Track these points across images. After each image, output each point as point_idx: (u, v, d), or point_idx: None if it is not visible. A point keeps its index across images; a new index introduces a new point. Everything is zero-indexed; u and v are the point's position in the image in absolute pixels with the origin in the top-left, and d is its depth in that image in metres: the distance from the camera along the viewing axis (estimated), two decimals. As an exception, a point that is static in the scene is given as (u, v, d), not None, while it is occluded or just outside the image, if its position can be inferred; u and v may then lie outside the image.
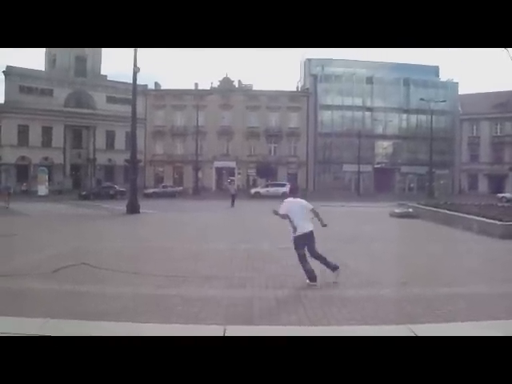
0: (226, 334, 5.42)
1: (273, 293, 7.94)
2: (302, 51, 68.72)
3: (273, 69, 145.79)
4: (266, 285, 8.58)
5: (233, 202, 35.17)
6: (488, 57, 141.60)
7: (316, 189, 65.08)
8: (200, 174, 64.88)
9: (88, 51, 63.15)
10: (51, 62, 65.07)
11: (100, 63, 67.82)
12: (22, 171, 59.45)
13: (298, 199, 9.14)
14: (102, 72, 68.31)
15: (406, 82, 70.42)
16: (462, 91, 73.40)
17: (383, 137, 70.70)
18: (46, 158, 60.46)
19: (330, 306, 7.03)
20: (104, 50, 67.31)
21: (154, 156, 68.28)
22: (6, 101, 59.28)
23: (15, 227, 18.72)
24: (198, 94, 67.29)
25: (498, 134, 70.67)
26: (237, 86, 71.71)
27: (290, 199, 9.19)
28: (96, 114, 64.04)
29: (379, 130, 70.46)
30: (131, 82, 28.74)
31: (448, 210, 21.97)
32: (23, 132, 60.07)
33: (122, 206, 29.36)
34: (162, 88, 72.58)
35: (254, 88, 72.02)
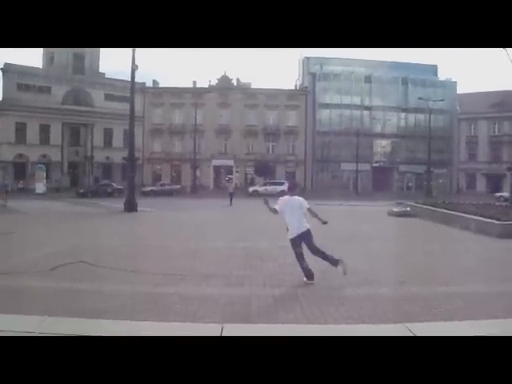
0: (223, 333, 5.42)
1: (270, 291, 7.94)
2: (300, 50, 68.75)
3: (271, 67, 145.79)
4: (264, 283, 8.58)
5: (231, 200, 35.18)
6: (486, 56, 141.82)
7: (314, 187, 65.12)
8: (198, 173, 64.92)
9: (86, 49, 63.05)
10: (49, 59, 64.99)
11: (98, 61, 67.84)
12: (20, 169, 59.50)
13: (296, 197, 9.05)
14: (100, 70, 68.44)
15: (405, 81, 70.48)
16: (460, 90, 73.66)
17: (381, 135, 70.73)
18: (43, 156, 60.48)
19: (327, 304, 7.03)
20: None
21: (152, 154, 68.27)
22: (3, 98, 59.26)
23: (13, 225, 18.70)
24: (196, 92, 67.29)
25: (496, 133, 70.80)
26: (235, 84, 71.73)
27: (287, 197, 9.16)
28: (94, 111, 64.05)
29: (377, 128, 70.54)
30: (129, 79, 28.73)
31: (446, 209, 21.99)
32: (21, 129, 60.11)
33: (119, 203, 29.36)
34: (160, 86, 72.56)
35: (253, 86, 72.05)
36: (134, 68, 27.76)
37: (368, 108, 69.98)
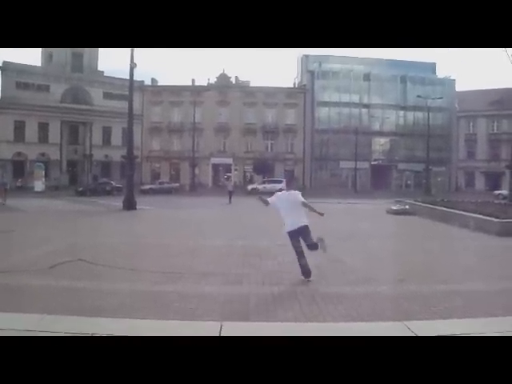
0: (222, 331, 5.43)
1: (269, 289, 7.94)
2: (299, 48, 68.66)
3: (270, 65, 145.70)
4: (263, 281, 8.58)
5: (230, 198, 35.16)
6: (485, 54, 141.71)
7: (313, 185, 65.15)
8: (197, 171, 64.86)
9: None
10: (48, 57, 64.89)
11: (97, 59, 67.72)
12: (19, 167, 59.45)
13: (292, 192, 9.06)
14: (99, 68, 68.26)
15: (403, 79, 70.48)
16: (459, 88, 73.67)
17: (380, 134, 70.83)
18: (42, 154, 60.46)
19: (326, 302, 7.03)
20: (101, 45, 67.11)
21: (151, 152, 68.29)
22: (2, 96, 59.14)
23: (12, 223, 18.68)
24: (194, 91, 67.31)
25: (495, 131, 70.87)
26: (234, 82, 71.67)
27: (284, 192, 9.16)
28: (93, 109, 64.01)
29: (376, 126, 70.61)
30: (128, 77, 28.70)
31: (445, 207, 22.00)
32: (19, 128, 60.05)
33: (118, 202, 29.33)
34: (158, 84, 72.56)
35: (251, 84, 71.97)
36: (132, 66, 27.72)
37: (367, 106, 70.04)
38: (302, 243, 8.78)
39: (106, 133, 66.49)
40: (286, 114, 69.55)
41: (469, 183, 71.26)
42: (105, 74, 67.38)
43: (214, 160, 68.32)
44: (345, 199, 38.66)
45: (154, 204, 32.10)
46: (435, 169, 65.44)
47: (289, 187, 9.31)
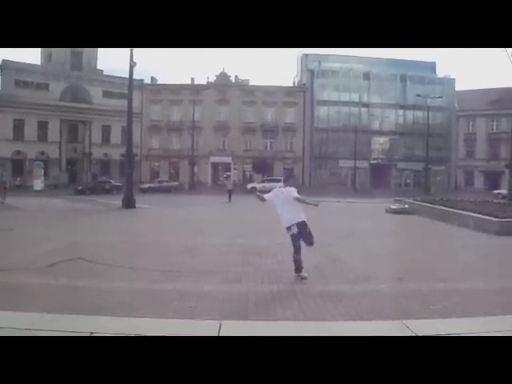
0: (221, 329, 5.43)
1: (268, 288, 7.94)
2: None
3: (269, 64, 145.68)
4: (262, 280, 8.58)
5: (230, 197, 35.16)
6: (485, 54, 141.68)
7: (312, 184, 65.14)
8: (196, 169, 64.80)
9: (84, 45, 62.86)
10: (47, 56, 64.82)
11: (96, 58, 67.62)
12: (18, 166, 59.39)
13: (287, 188, 9.08)
14: (98, 66, 68.17)
15: (403, 78, 70.44)
16: (458, 87, 73.70)
17: (380, 132, 70.84)
18: (41, 153, 60.40)
19: (325, 301, 7.03)
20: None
21: (150, 151, 68.28)
22: (1, 95, 58.99)
23: (11, 222, 18.67)
24: (194, 89, 67.21)
25: (494, 130, 70.86)
26: (233, 81, 71.65)
27: (280, 188, 9.18)
28: (92, 108, 63.95)
29: (376, 125, 70.63)
30: (127, 76, 28.68)
31: (444, 206, 22.02)
32: (19, 126, 59.98)
33: (117, 200, 29.33)
34: (158, 83, 72.50)
35: (251, 83, 71.92)
36: (132, 65, 27.72)
37: (366, 105, 70.05)
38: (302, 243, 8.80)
39: (106, 131, 66.44)
40: (285, 112, 69.54)
41: (468, 182, 71.34)
42: (104, 73, 67.28)
43: (214, 159, 68.33)
44: (344, 198, 38.69)
45: (154, 202, 32.09)
46: (434, 168, 65.46)
47: (286, 184, 9.33)
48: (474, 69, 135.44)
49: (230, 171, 66.35)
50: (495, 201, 27.85)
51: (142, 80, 65.45)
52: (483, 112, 70.33)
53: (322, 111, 69.69)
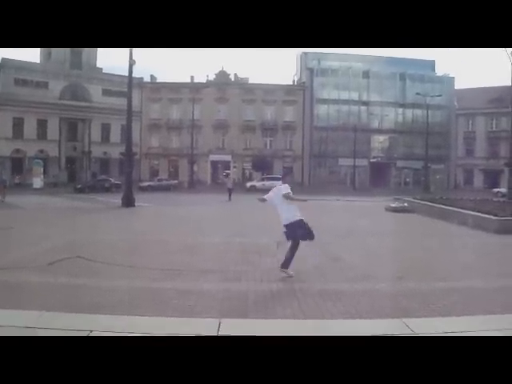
0: (220, 328, 5.44)
1: (268, 286, 7.95)
2: (298, 45, 68.51)
3: (269, 62, 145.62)
4: (261, 278, 8.58)
5: (230, 195, 35.15)
6: (484, 52, 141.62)
7: (311, 183, 65.24)
8: (195, 168, 64.78)
9: (83, 44, 62.72)
10: (46, 54, 64.70)
11: (96, 56, 67.52)
12: (17, 164, 59.35)
13: (281, 186, 9.11)
14: (98, 65, 68.10)
15: (403, 77, 70.48)
16: (458, 86, 73.67)
17: (379, 131, 70.85)
18: (41, 151, 60.35)
19: (324, 299, 7.03)
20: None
21: (150, 149, 68.25)
22: (0, 93, 58.92)
23: (11, 220, 18.67)
24: (193, 87, 67.15)
25: (494, 129, 70.80)
26: (233, 79, 71.59)
27: (278, 186, 9.20)
28: (91, 106, 63.87)
29: (375, 124, 70.66)
30: (127, 74, 28.66)
31: (443, 204, 22.03)
32: (18, 124, 59.91)
33: (117, 199, 29.33)
34: (157, 81, 72.52)
35: (250, 81, 71.85)
36: (131, 63, 27.70)
37: (366, 103, 70.06)
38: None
39: (105, 130, 66.38)
40: (284, 111, 69.53)
41: (467, 181, 71.36)
42: (104, 71, 67.19)
43: (213, 157, 68.32)
44: (343, 196, 38.69)
45: (153, 201, 32.08)
46: (434, 166, 65.45)
47: (283, 182, 9.36)
48: (473, 67, 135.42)
49: (229, 169, 66.43)
50: (495, 199, 27.85)
51: (142, 78, 65.38)
52: (483, 110, 70.31)
53: (321, 109, 69.71)
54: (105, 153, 65.35)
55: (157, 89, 69.56)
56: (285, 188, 8.94)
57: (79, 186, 49.25)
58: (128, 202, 26.81)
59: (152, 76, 72.43)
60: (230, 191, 35.62)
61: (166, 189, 52.96)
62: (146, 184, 54.11)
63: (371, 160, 69.15)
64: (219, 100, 68.60)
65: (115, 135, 64.92)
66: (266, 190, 9.70)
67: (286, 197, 8.82)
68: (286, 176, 10.04)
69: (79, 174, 63.46)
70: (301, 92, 70.13)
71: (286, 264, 8.65)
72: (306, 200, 9.10)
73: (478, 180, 70.41)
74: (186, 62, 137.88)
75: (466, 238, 14.84)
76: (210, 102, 67.23)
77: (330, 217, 21.02)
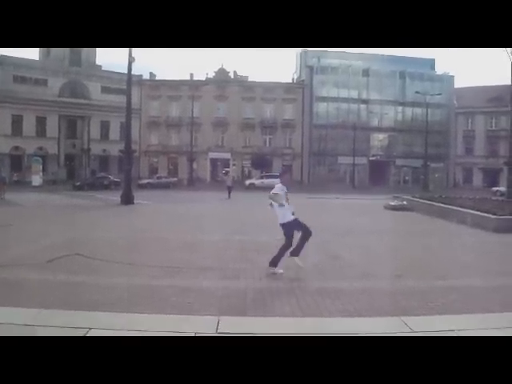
0: (219, 325, 5.45)
1: (266, 284, 7.95)
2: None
3: (268, 60, 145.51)
4: (260, 276, 8.59)
5: (229, 193, 35.12)
6: (484, 51, 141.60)
7: (311, 181, 65.22)
8: (195, 165, 64.83)
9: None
10: (46, 51, 64.53)
11: (95, 53, 67.32)
12: (16, 161, 59.27)
13: (277, 185, 9.06)
14: (97, 62, 67.94)
15: (402, 75, 70.46)
16: (457, 85, 73.65)
17: (378, 129, 70.84)
18: (40, 148, 60.27)
19: (323, 297, 7.03)
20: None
21: (149, 146, 68.19)
22: (-1, 90, 58.98)
23: (10, 217, 18.67)
24: (193, 85, 67.10)
25: (493, 127, 70.81)
26: (232, 77, 71.52)
27: (275, 185, 9.19)
28: (91, 104, 63.80)
29: (375, 122, 70.63)
30: (126, 72, 28.64)
31: (442, 203, 22.02)
32: (17, 122, 59.82)
33: (116, 196, 29.32)
34: (157, 78, 72.43)
35: (250, 79, 71.84)
36: (130, 60, 27.67)
37: (365, 101, 70.02)
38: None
39: (104, 127, 66.34)
40: (284, 108, 69.47)
41: (467, 179, 71.41)
42: (103, 68, 67.06)
43: (212, 155, 68.28)
44: (343, 195, 38.69)
45: (152, 198, 32.09)
46: (433, 165, 65.48)
47: (281, 180, 9.29)
48: (473, 66, 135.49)
49: (228, 167, 66.42)
50: (494, 198, 27.85)
51: (141, 76, 65.32)
52: (482, 109, 70.32)
53: (320, 108, 69.64)
54: (104, 150, 65.30)
55: (156, 86, 69.49)
56: (276, 188, 8.92)
57: (78, 184, 49.27)
58: (127, 200, 26.81)
59: (151, 73, 72.36)
60: (229, 189, 35.58)
61: (166, 186, 52.98)
62: (145, 181, 54.12)
63: (370, 158, 69.15)
64: (218, 98, 68.55)
65: (114, 133, 64.89)
66: (265, 188, 9.68)
67: (270, 197, 8.81)
68: (284, 174, 9.93)
69: (78, 172, 63.40)
70: (300, 90, 70.07)
71: (273, 263, 8.67)
72: (283, 205, 8.96)
73: (477, 179, 70.45)
74: (185, 60, 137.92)
75: (465, 237, 14.84)
76: (209, 100, 67.19)
77: (330, 215, 21.02)
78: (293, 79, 76.35)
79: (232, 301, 6.86)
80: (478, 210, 17.66)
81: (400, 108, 71.35)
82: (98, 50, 68.53)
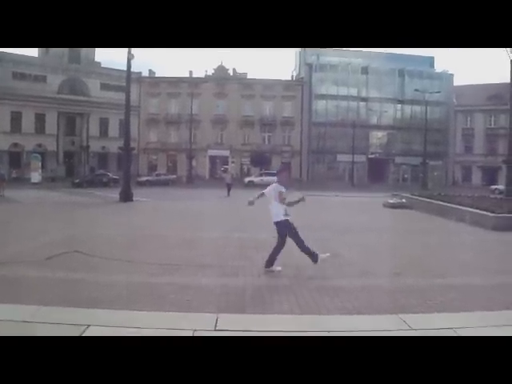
0: (218, 323, 5.45)
1: (265, 281, 7.96)
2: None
3: (268, 58, 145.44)
4: (259, 274, 8.59)
5: (228, 191, 35.08)
6: (483, 49, 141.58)
7: (310, 178, 65.28)
8: (194, 163, 64.88)
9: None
10: (45, 48, 64.46)
11: (94, 50, 67.25)
12: (15, 158, 59.26)
13: (273, 184, 9.05)
14: (96, 59, 67.87)
15: (401, 73, 70.50)
16: (456, 83, 73.74)
17: (378, 127, 70.92)
18: (39, 145, 60.26)
19: (322, 295, 7.03)
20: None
21: (148, 144, 68.21)
22: (-2, 87, 58.89)
23: (9, 215, 18.66)
24: (192, 82, 67.12)
25: (492, 125, 70.93)
26: (231, 74, 71.50)
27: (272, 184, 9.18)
28: (90, 101, 63.80)
29: (374, 120, 70.67)
30: (125, 69, 28.59)
31: (441, 201, 22.03)
32: (16, 119, 59.77)
33: (115, 193, 29.29)
34: (156, 75, 72.40)
35: (249, 77, 71.80)
36: (130, 57, 27.64)
37: (364, 99, 70.04)
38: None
39: (103, 124, 66.32)
40: (283, 106, 69.50)
41: (466, 177, 71.48)
42: (102, 65, 67.06)
43: (211, 152, 68.32)
44: (342, 192, 38.74)
45: (151, 196, 32.08)
46: (432, 163, 65.56)
47: (278, 178, 9.22)
48: (472, 64, 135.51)
49: (227, 165, 66.41)
50: (492, 196, 27.86)
51: (140, 73, 65.25)
52: (481, 107, 70.41)
53: (320, 105, 69.63)
54: (103, 147, 65.29)
55: (155, 83, 69.46)
56: (270, 187, 8.92)
57: (77, 181, 49.27)
58: (126, 197, 26.80)
59: (150, 70, 72.30)
60: (228, 186, 35.54)
61: (165, 184, 52.98)
62: (144, 179, 54.16)
63: (369, 156, 69.21)
64: (218, 95, 68.54)
65: (113, 130, 64.83)
66: (265, 185, 9.65)
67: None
68: (282, 172, 9.80)
69: (77, 169, 63.43)
70: (299, 87, 70.08)
71: (269, 262, 8.68)
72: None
73: (476, 177, 70.54)
74: (184, 57, 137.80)
75: (464, 235, 14.84)
76: (208, 97, 67.20)
77: (329, 213, 21.04)
78: (292, 77, 76.39)
79: (231, 298, 6.86)
80: (476, 208, 17.67)
81: (399, 106, 71.41)
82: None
